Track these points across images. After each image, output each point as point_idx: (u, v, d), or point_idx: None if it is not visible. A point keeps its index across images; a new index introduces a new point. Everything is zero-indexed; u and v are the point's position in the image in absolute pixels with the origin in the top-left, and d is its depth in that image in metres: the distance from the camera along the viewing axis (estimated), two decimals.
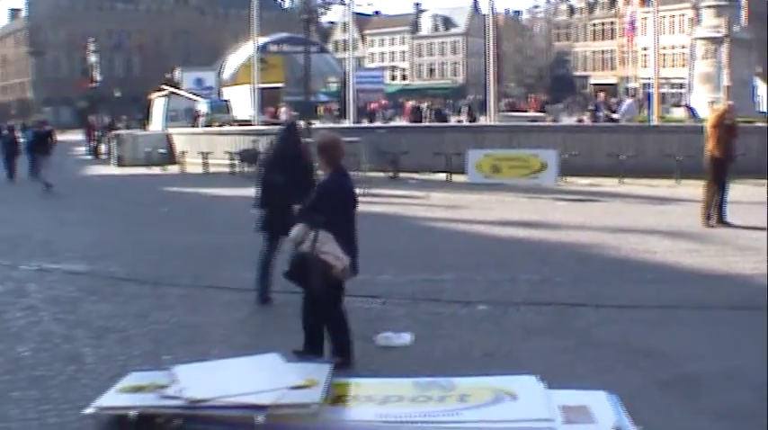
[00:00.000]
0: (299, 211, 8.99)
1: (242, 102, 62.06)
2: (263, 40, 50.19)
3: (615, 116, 41.09)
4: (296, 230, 8.86)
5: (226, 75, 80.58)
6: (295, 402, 7.07)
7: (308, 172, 11.78)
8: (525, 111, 57.20)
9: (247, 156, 31.86)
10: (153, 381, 7.81)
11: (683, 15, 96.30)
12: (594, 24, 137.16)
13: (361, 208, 19.07)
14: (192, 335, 10.30)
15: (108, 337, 10.38)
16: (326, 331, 9.09)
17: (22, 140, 39.46)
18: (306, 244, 8.68)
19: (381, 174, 27.57)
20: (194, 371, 8.02)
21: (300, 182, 11.25)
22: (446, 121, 45.89)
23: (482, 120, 44.43)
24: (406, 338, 9.72)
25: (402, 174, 28.25)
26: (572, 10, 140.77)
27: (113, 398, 7.69)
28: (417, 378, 7.76)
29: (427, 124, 42.68)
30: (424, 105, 51.89)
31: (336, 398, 7.34)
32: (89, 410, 7.50)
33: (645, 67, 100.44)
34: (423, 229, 17.12)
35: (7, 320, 11.58)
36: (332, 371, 7.70)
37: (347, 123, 45.18)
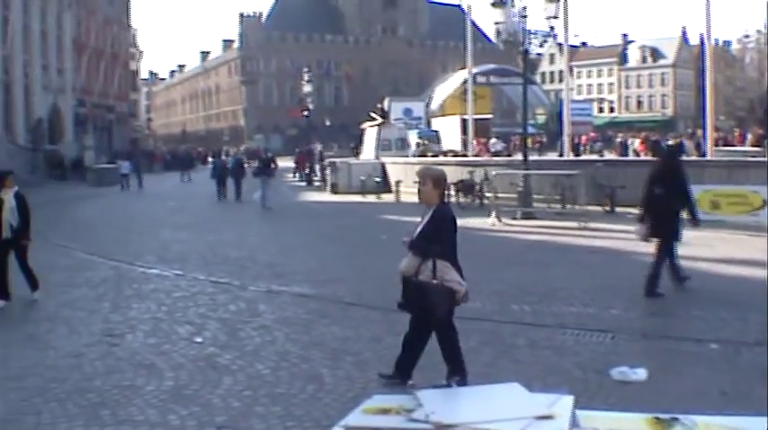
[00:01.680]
0: (409, 244, 9.16)
1: (451, 132, 62.50)
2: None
3: None
4: (407, 262, 9.12)
5: (434, 105, 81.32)
6: None
7: (685, 186, 14.97)
8: (734, 146, 55.63)
9: (464, 186, 32.08)
10: (399, 405, 7.97)
11: None
12: None
13: (580, 241, 19.13)
14: (427, 362, 10.44)
15: (344, 360, 10.66)
16: (445, 353, 9.32)
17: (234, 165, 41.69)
18: (424, 273, 8.91)
19: (598, 208, 27.30)
20: (438, 396, 8.15)
21: (679, 194, 14.73)
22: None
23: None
24: (641, 374, 9.62)
25: (619, 209, 27.65)
26: None
27: (359, 419, 7.87)
28: (658, 413, 7.71)
29: (645, 158, 42.08)
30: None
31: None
32: (338, 429, 7.73)
33: None
34: (645, 265, 16.82)
35: (242, 339, 12.04)
36: (575, 403, 7.73)
37: (554, 155, 45.08)
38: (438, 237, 9.03)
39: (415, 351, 9.48)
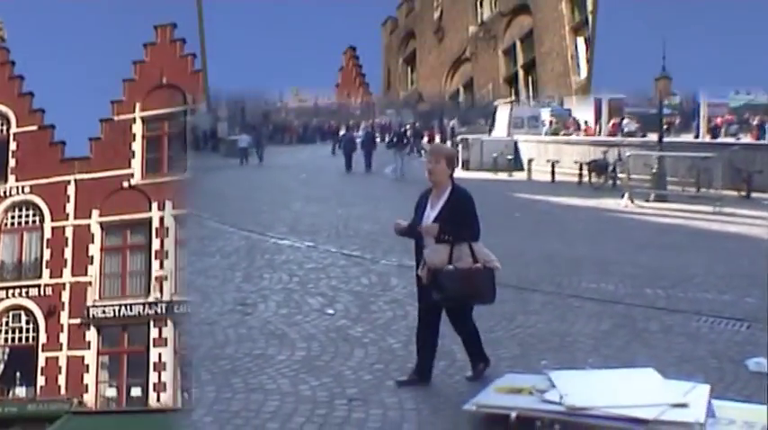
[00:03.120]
0: (438, 231, 8.58)
1: (582, 112, 61.62)
2: None
3: None
4: (434, 253, 8.53)
5: None
6: (677, 420, 6.97)
7: None
8: None
9: (596, 166, 31.64)
10: (532, 385, 7.90)
11: None
12: None
13: (715, 227, 18.72)
14: (560, 343, 10.36)
15: None
16: (478, 342, 9.03)
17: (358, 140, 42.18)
18: (462, 260, 8.48)
19: (734, 193, 26.52)
20: (571, 378, 8.07)
21: None
22: None
23: None
24: None
25: (755, 194, 26.87)
26: None
27: (491, 397, 7.84)
28: None
29: None
30: None
31: (716, 420, 7.22)
32: (469, 406, 7.69)
33: None
34: None
35: (374, 312, 12.11)
36: (710, 393, 7.57)
37: (688, 137, 44.03)
38: (465, 219, 8.67)
39: (473, 338, 9.10)
